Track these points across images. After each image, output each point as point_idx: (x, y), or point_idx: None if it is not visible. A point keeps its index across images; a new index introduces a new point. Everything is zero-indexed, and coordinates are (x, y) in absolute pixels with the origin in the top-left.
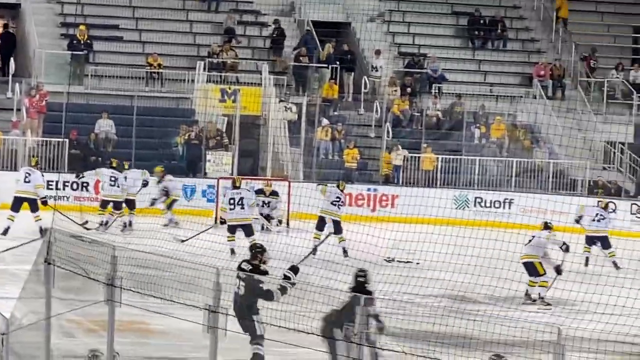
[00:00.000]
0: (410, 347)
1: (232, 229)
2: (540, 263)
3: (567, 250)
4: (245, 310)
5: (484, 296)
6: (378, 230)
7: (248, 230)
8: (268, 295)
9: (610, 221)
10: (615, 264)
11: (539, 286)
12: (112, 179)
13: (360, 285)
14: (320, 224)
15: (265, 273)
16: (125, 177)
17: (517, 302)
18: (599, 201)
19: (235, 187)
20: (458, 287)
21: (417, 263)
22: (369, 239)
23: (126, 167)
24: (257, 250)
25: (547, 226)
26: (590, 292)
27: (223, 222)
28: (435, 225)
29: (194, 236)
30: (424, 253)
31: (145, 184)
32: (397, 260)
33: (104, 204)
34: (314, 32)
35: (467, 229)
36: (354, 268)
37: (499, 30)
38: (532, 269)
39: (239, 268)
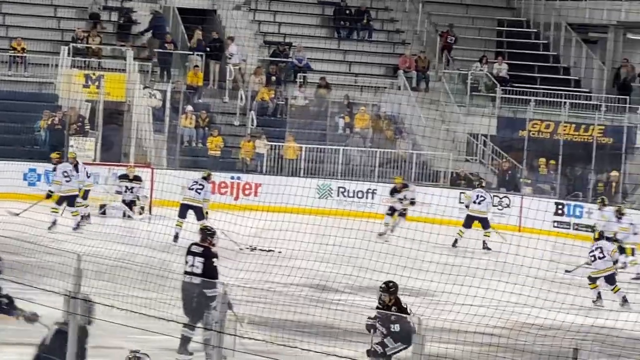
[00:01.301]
0: (271, 336)
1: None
2: None
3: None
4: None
5: (345, 285)
6: (241, 218)
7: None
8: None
9: (489, 204)
10: (485, 244)
11: None
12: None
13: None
14: (182, 211)
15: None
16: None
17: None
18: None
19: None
20: (320, 276)
21: (279, 252)
22: (232, 227)
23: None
24: (208, 233)
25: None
26: (450, 283)
27: (49, 196)
28: (298, 214)
29: (27, 209)
30: (286, 242)
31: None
32: (259, 249)
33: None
34: (180, 19)
35: (329, 219)
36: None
37: (365, 21)
38: None
39: (189, 252)
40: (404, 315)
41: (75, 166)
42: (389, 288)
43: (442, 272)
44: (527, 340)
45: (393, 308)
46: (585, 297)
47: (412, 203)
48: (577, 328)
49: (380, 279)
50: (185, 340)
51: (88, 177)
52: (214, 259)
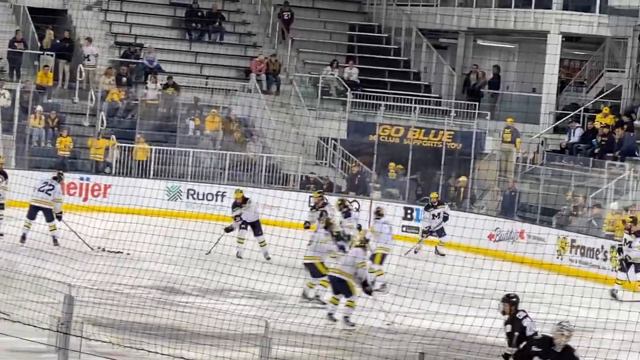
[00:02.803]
0: (118, 338)
1: None
2: (322, 264)
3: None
4: None
5: (193, 288)
6: (89, 219)
7: None
8: None
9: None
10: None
11: (321, 285)
12: None
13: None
14: (31, 212)
15: None
16: None
17: (226, 294)
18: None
19: None
20: (168, 278)
21: (128, 254)
22: (81, 228)
23: None
24: None
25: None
26: (298, 287)
27: None
28: (147, 216)
29: None
30: (135, 243)
31: None
32: (108, 250)
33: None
34: (30, 18)
35: (178, 221)
36: (65, 258)
37: (217, 23)
38: (314, 270)
39: None
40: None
41: None
42: (510, 299)
43: (290, 275)
44: (373, 344)
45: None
46: (432, 301)
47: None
48: (423, 332)
49: (228, 282)
50: None
51: None
52: None
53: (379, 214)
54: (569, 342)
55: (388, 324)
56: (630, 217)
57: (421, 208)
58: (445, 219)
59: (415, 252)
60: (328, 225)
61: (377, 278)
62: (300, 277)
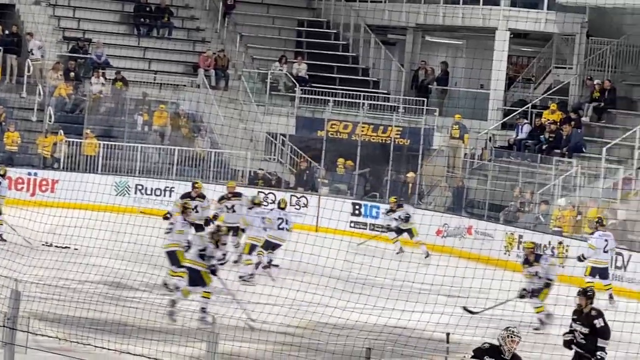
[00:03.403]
0: (65, 333)
1: None
2: (181, 252)
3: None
4: None
5: (140, 283)
6: (36, 214)
7: None
8: None
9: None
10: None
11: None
12: None
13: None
14: None
15: None
16: None
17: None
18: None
19: None
20: (114, 273)
21: (76, 249)
22: (28, 223)
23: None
24: None
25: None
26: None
27: None
28: (95, 211)
29: None
30: (82, 239)
31: None
32: (55, 245)
33: None
34: None
35: (126, 216)
36: (9, 252)
37: (165, 19)
38: (173, 258)
39: None
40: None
41: None
42: (586, 292)
43: (238, 271)
44: (321, 339)
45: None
46: (379, 297)
47: None
48: (370, 328)
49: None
50: None
51: None
52: None
53: (253, 203)
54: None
55: (247, 321)
56: (598, 218)
57: (368, 204)
58: (407, 219)
59: (397, 253)
60: (185, 211)
61: (247, 267)
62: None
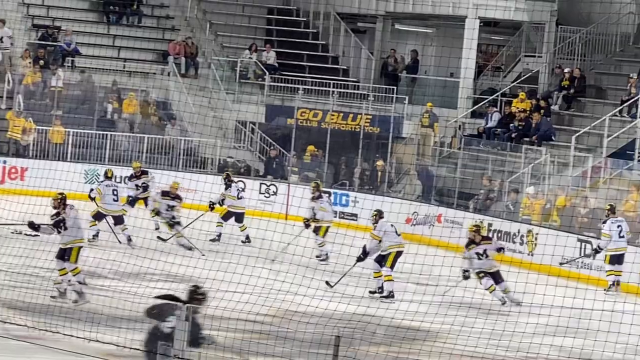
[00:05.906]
0: (34, 321)
1: None
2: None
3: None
4: None
5: (109, 271)
6: (6, 202)
7: None
8: None
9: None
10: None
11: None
12: None
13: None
14: None
15: None
16: None
17: (142, 277)
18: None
19: None
20: (84, 261)
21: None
22: None
23: None
24: None
25: None
26: (214, 270)
27: None
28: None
29: None
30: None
31: None
32: (25, 234)
33: None
34: None
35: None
36: None
37: (135, 6)
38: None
39: None
40: None
41: None
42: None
43: (207, 258)
44: (290, 327)
45: None
46: (349, 285)
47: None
48: (339, 316)
49: (145, 265)
50: None
51: None
52: None
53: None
54: None
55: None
56: (609, 205)
57: (338, 192)
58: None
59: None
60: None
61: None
62: (223, 261)
